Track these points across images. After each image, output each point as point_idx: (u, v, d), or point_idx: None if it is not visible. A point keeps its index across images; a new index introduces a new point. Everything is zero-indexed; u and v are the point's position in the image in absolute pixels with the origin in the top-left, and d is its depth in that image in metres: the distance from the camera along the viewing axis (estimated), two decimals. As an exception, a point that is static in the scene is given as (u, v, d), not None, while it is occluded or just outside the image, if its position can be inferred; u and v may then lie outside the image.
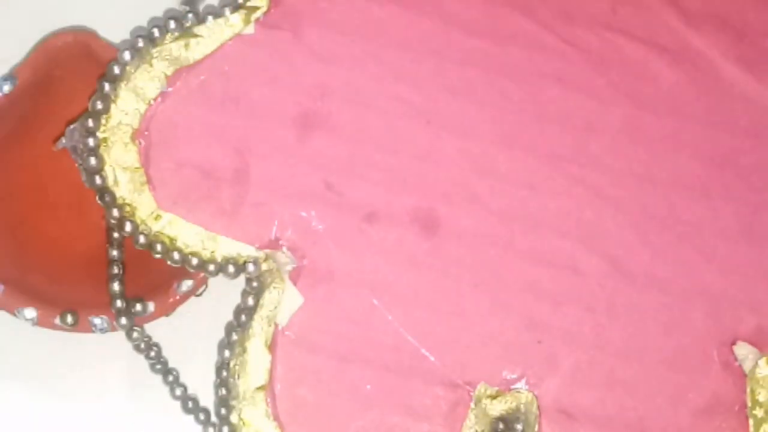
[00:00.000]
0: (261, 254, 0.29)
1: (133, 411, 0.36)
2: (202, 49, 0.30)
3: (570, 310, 0.29)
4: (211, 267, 0.28)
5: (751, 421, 0.28)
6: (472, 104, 0.30)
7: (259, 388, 0.28)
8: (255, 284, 0.29)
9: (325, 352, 0.29)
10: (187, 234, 0.29)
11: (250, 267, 0.28)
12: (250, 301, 0.29)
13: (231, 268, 0.28)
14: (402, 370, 0.29)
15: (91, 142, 0.28)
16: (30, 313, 0.32)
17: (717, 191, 0.29)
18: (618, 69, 0.30)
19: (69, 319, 0.31)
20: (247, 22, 0.30)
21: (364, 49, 0.30)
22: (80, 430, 0.37)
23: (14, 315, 0.32)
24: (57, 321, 0.31)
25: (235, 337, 0.29)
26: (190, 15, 0.29)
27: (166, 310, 0.32)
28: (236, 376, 0.28)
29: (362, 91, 0.30)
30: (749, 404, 0.28)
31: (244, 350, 0.28)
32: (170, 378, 0.31)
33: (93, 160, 0.28)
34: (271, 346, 0.28)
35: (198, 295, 0.33)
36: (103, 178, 0.29)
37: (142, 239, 0.28)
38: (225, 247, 0.29)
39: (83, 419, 0.37)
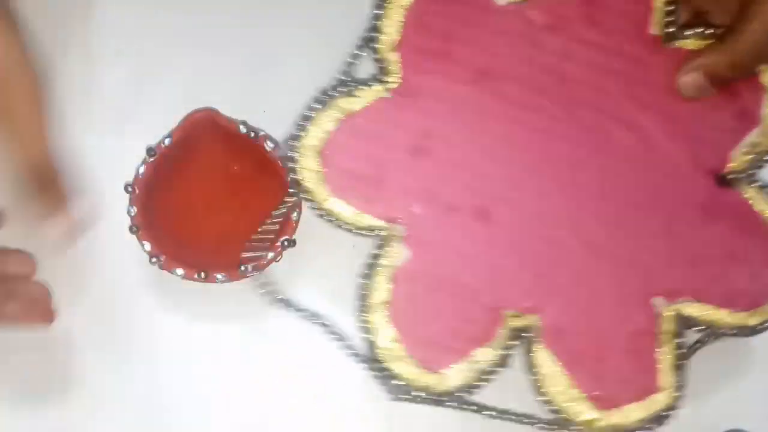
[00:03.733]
0: (386, 225, 0.43)
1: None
2: (359, 104, 0.43)
3: (561, 270, 0.43)
4: (357, 231, 0.43)
5: (659, 341, 0.42)
6: (512, 147, 0.43)
7: (382, 302, 0.42)
8: (381, 242, 0.43)
9: (420, 284, 0.42)
10: (344, 211, 0.43)
11: (380, 232, 0.43)
12: (378, 251, 0.43)
13: (370, 232, 0.43)
14: (463, 298, 0.42)
15: (293, 154, 0.43)
16: (180, 271, 0.42)
17: (652, 207, 0.43)
18: (598, 133, 0.43)
19: (203, 275, 0.42)
20: (386, 90, 0.43)
21: (451, 110, 0.43)
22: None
23: (171, 273, 0.42)
24: (195, 276, 0.42)
25: (368, 271, 0.42)
26: (352, 83, 0.44)
27: (259, 270, 0.43)
28: (368, 295, 0.42)
29: (449, 134, 0.43)
30: (660, 331, 0.42)
31: (374, 279, 0.42)
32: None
33: (293, 164, 0.43)
34: (391, 279, 0.42)
35: (276, 261, 0.43)
36: (299, 175, 0.43)
37: (317, 213, 0.43)
38: (366, 220, 0.43)
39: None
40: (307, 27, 0.47)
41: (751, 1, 0.42)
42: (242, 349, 0.45)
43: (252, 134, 0.43)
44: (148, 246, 0.42)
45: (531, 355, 0.43)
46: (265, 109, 0.45)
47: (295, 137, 0.43)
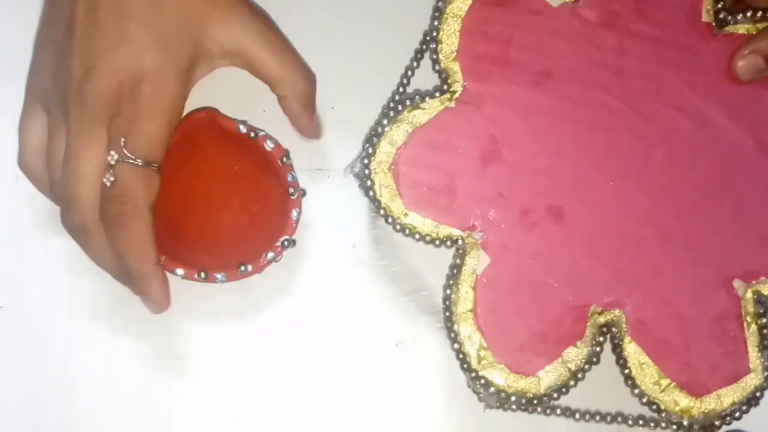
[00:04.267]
0: (464, 234, 0.43)
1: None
2: (426, 116, 0.43)
3: (638, 262, 0.43)
4: (437, 242, 0.43)
5: (744, 323, 0.43)
6: (579, 145, 0.43)
7: (468, 311, 0.42)
8: (461, 251, 0.43)
9: (502, 289, 0.43)
10: (421, 223, 0.43)
11: (459, 241, 0.43)
12: (458, 261, 0.43)
13: (448, 242, 0.43)
14: (546, 299, 0.42)
15: (366, 171, 0.43)
16: (180, 271, 0.42)
17: (720, 192, 0.44)
18: (661, 124, 0.44)
19: (203, 275, 0.42)
20: (450, 100, 0.44)
21: (516, 114, 0.44)
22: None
23: (172, 273, 0.42)
24: (196, 276, 0.42)
25: (452, 281, 0.43)
26: (417, 96, 0.44)
27: (258, 270, 0.43)
28: (455, 305, 0.43)
29: (516, 138, 0.44)
30: (743, 313, 0.43)
31: (458, 289, 0.42)
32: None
33: (368, 182, 0.43)
34: (474, 287, 0.42)
35: (276, 261, 0.43)
36: (374, 192, 0.43)
37: (397, 227, 0.43)
38: (443, 230, 0.43)
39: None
40: (307, 25, 0.47)
41: None
42: (243, 349, 0.45)
43: (252, 134, 0.43)
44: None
45: (618, 350, 0.43)
46: (265, 109, 0.45)
47: (367, 155, 0.43)
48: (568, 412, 0.44)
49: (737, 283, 0.44)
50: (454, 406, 0.44)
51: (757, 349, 0.43)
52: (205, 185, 0.45)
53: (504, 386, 0.42)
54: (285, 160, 0.43)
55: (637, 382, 0.43)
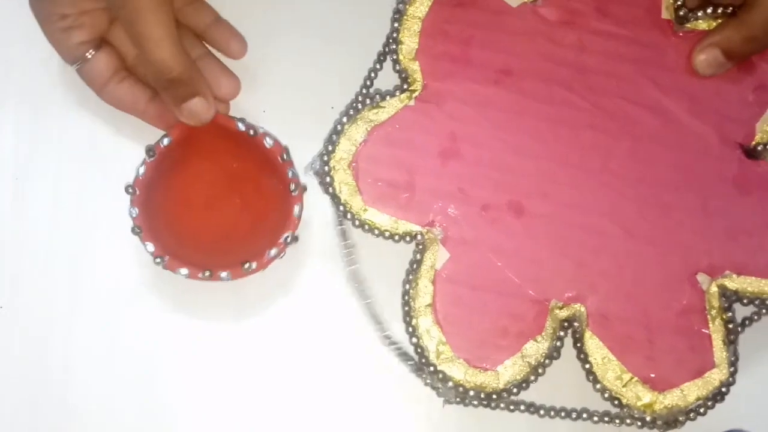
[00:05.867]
0: (424, 229, 0.43)
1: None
2: (385, 114, 0.44)
3: (601, 257, 0.43)
4: (396, 237, 0.43)
5: (708, 317, 0.42)
6: (540, 141, 0.44)
7: (427, 306, 0.42)
8: (421, 246, 0.43)
9: (463, 284, 0.42)
10: (380, 219, 0.43)
11: (418, 236, 0.43)
12: (418, 256, 0.43)
13: (408, 238, 0.43)
14: (507, 293, 0.42)
15: (326, 168, 0.43)
16: (184, 271, 0.42)
17: (684, 186, 0.43)
18: (624, 120, 0.44)
19: (207, 273, 0.42)
20: (410, 98, 0.44)
21: (476, 111, 0.44)
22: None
23: (176, 273, 0.42)
24: (200, 275, 0.42)
25: (411, 276, 0.43)
26: (377, 96, 0.44)
27: (262, 267, 0.43)
28: (413, 299, 0.42)
29: (476, 135, 0.44)
30: (707, 308, 0.42)
31: (417, 284, 0.42)
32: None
33: (328, 178, 0.43)
34: (433, 282, 0.42)
35: (280, 258, 0.43)
36: (333, 189, 0.43)
37: (356, 223, 0.43)
38: (402, 226, 0.43)
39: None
40: (306, 25, 0.47)
41: None
42: (243, 348, 0.45)
43: (251, 131, 0.43)
44: (151, 247, 0.42)
45: (580, 344, 0.43)
46: (264, 109, 0.46)
47: (327, 153, 0.44)
48: (533, 408, 0.43)
49: (702, 278, 0.43)
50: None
51: (722, 343, 0.42)
52: (205, 184, 0.45)
53: (463, 381, 0.42)
54: (285, 156, 0.43)
55: (599, 377, 0.42)
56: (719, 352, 0.42)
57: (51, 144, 0.46)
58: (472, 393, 0.42)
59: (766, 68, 0.45)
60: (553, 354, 0.43)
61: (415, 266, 0.43)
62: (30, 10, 0.44)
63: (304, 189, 0.44)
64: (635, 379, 0.42)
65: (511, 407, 0.43)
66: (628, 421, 0.42)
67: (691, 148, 0.44)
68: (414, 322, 0.43)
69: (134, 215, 0.43)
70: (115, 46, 0.45)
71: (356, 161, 0.44)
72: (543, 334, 0.43)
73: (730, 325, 0.43)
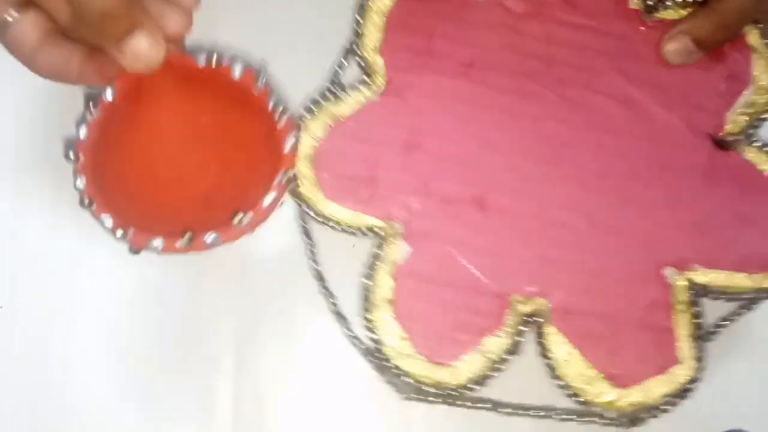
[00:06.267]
0: (385, 224, 0.43)
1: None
2: (348, 108, 0.43)
3: (565, 251, 0.42)
4: (358, 231, 0.42)
5: (675, 312, 0.41)
6: (506, 134, 0.43)
7: (386, 300, 0.42)
8: (382, 241, 0.42)
9: (423, 278, 0.42)
10: (342, 213, 0.43)
11: (379, 231, 0.42)
12: (378, 251, 0.42)
13: (369, 232, 0.43)
14: (468, 288, 0.41)
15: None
16: (157, 242, 0.37)
17: (653, 179, 0.42)
18: (592, 111, 0.43)
19: (187, 238, 0.36)
20: (372, 92, 0.44)
21: (439, 104, 0.43)
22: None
23: (147, 249, 0.37)
24: (178, 244, 0.36)
25: (371, 270, 0.42)
26: (340, 89, 0.44)
27: (262, 219, 0.38)
28: (372, 293, 0.42)
29: (440, 129, 0.43)
30: (674, 302, 0.41)
31: (377, 278, 0.42)
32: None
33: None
34: (393, 276, 0.42)
35: (282, 203, 0.38)
36: (295, 183, 0.43)
37: (318, 217, 0.43)
38: (364, 220, 0.43)
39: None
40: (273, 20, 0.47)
41: None
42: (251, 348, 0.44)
43: (213, 62, 0.38)
44: (108, 220, 0.37)
45: (542, 339, 0.42)
46: None
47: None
48: (495, 405, 0.42)
49: (669, 271, 0.42)
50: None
51: (689, 339, 0.41)
52: (170, 142, 0.39)
53: (421, 376, 0.41)
54: (260, 85, 0.38)
55: (562, 373, 0.41)
56: (685, 348, 0.41)
57: (51, 143, 0.45)
58: (430, 389, 0.41)
59: (738, 57, 0.44)
60: (514, 350, 0.42)
61: (375, 260, 0.43)
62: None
63: (296, 119, 0.39)
64: (599, 375, 0.41)
65: (473, 404, 0.42)
66: (591, 418, 0.41)
67: (659, 140, 0.43)
68: (372, 316, 0.42)
69: (82, 187, 0.37)
70: (44, 8, 0.37)
71: (317, 156, 0.44)
72: (504, 329, 0.42)
73: (698, 320, 0.42)
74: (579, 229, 0.43)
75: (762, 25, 0.44)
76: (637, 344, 0.41)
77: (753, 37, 0.44)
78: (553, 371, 0.42)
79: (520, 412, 0.42)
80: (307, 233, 0.44)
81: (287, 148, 0.39)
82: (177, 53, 0.37)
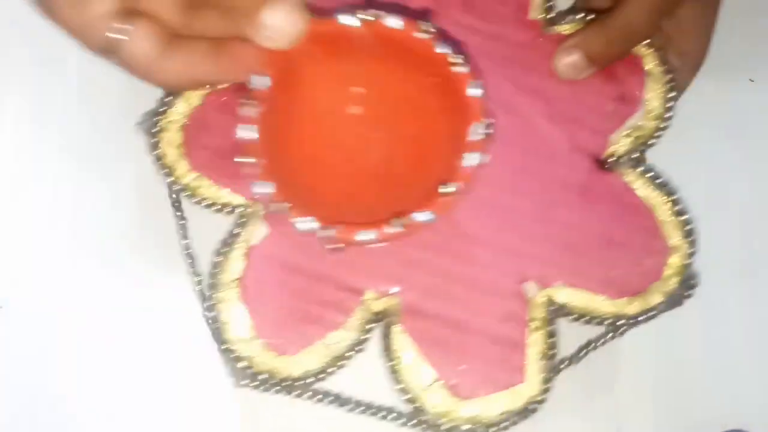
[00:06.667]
0: (247, 203, 0.41)
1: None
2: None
3: (426, 254, 0.40)
4: (217, 207, 0.41)
5: (529, 329, 0.39)
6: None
7: (233, 281, 0.40)
8: (242, 219, 0.41)
9: (276, 263, 0.40)
10: (204, 186, 0.41)
11: (239, 209, 0.41)
12: (237, 230, 0.41)
13: (228, 209, 0.41)
14: (320, 278, 0.40)
15: (155, 129, 0.42)
16: (367, 234, 0.34)
17: (526, 191, 0.41)
18: None
19: (398, 221, 0.34)
20: None
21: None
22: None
23: (352, 243, 0.34)
24: (388, 230, 0.34)
25: (224, 249, 0.41)
26: None
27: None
28: (221, 273, 0.40)
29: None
30: (530, 318, 0.40)
31: (228, 257, 0.40)
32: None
33: (154, 139, 0.41)
34: (246, 256, 0.40)
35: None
36: (159, 149, 0.41)
37: (177, 187, 0.41)
38: (224, 196, 0.41)
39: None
40: None
41: None
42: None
43: (372, 18, 0.34)
44: (310, 223, 0.34)
45: (387, 339, 0.40)
46: None
47: (159, 112, 0.42)
48: (337, 400, 0.40)
49: (530, 286, 0.41)
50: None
51: (539, 357, 0.39)
52: (330, 121, 0.36)
53: (255, 362, 0.40)
54: (423, 32, 0.33)
55: (401, 376, 0.39)
56: (533, 367, 0.39)
57: (51, 143, 0.45)
58: (263, 377, 0.39)
59: (631, 80, 0.43)
60: (358, 346, 0.40)
61: (230, 239, 0.41)
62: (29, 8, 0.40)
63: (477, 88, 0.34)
64: (439, 383, 0.39)
65: (313, 396, 0.40)
66: (423, 426, 0.39)
67: (538, 153, 0.42)
68: (217, 295, 0.41)
69: (269, 191, 0.34)
70: (152, 13, 0.34)
71: (188, 124, 0.42)
72: (351, 324, 0.40)
73: (552, 339, 0.40)
74: (443, 231, 0.41)
75: (660, 50, 0.43)
76: (484, 356, 0.39)
77: (649, 61, 0.43)
78: (393, 373, 0.40)
79: (359, 410, 0.40)
80: (178, 208, 0.43)
81: (472, 95, 0.34)
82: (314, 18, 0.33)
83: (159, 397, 0.42)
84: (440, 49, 0.34)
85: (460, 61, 0.34)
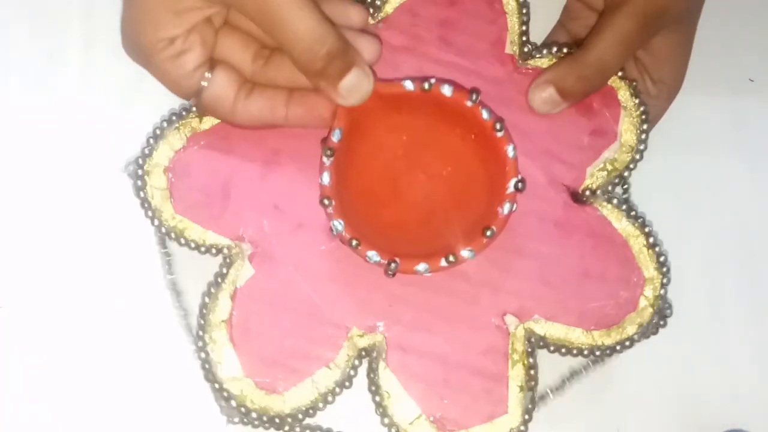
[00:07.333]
0: (232, 243, 0.42)
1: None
2: (209, 122, 0.43)
3: (409, 290, 0.41)
4: (203, 249, 0.42)
5: (510, 361, 0.41)
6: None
7: (221, 321, 0.41)
8: (228, 260, 0.42)
9: (263, 303, 0.41)
10: (190, 229, 0.42)
11: (225, 250, 0.42)
12: (224, 270, 0.42)
13: (214, 251, 0.42)
14: (307, 316, 0.41)
15: (140, 172, 0.42)
16: (422, 266, 0.39)
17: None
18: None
19: (449, 257, 0.39)
20: None
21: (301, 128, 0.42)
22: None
23: (410, 273, 0.39)
24: (441, 263, 0.39)
25: (212, 290, 0.41)
26: None
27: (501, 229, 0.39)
28: (210, 313, 0.41)
29: (298, 152, 0.43)
30: (510, 351, 0.41)
31: (216, 298, 0.41)
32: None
33: (140, 182, 0.42)
34: (233, 297, 0.41)
35: (514, 211, 0.39)
36: (145, 193, 0.42)
37: (164, 229, 0.42)
38: (211, 238, 0.42)
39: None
40: None
41: (601, 15, 0.43)
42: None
43: (425, 85, 0.40)
44: (376, 256, 0.39)
45: (373, 376, 0.41)
46: None
47: (143, 156, 0.43)
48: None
49: (510, 319, 0.42)
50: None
51: (519, 389, 0.41)
52: (382, 168, 0.42)
53: (247, 401, 0.41)
54: (474, 98, 0.40)
55: (388, 411, 0.41)
56: (514, 398, 0.41)
57: (51, 143, 0.46)
58: (254, 414, 0.41)
59: (606, 113, 0.44)
60: (345, 383, 0.41)
61: (218, 280, 0.42)
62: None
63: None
64: (423, 417, 0.40)
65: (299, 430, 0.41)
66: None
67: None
68: (206, 336, 0.41)
69: (341, 228, 0.40)
70: (227, 61, 0.40)
71: (172, 167, 0.43)
72: (337, 361, 0.41)
73: (532, 371, 0.41)
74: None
75: (634, 81, 0.44)
76: (467, 389, 0.41)
77: (623, 94, 0.44)
78: (379, 408, 0.41)
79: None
80: (163, 244, 0.44)
81: (510, 153, 0.40)
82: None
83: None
84: (485, 116, 0.40)
85: (500, 126, 0.40)
